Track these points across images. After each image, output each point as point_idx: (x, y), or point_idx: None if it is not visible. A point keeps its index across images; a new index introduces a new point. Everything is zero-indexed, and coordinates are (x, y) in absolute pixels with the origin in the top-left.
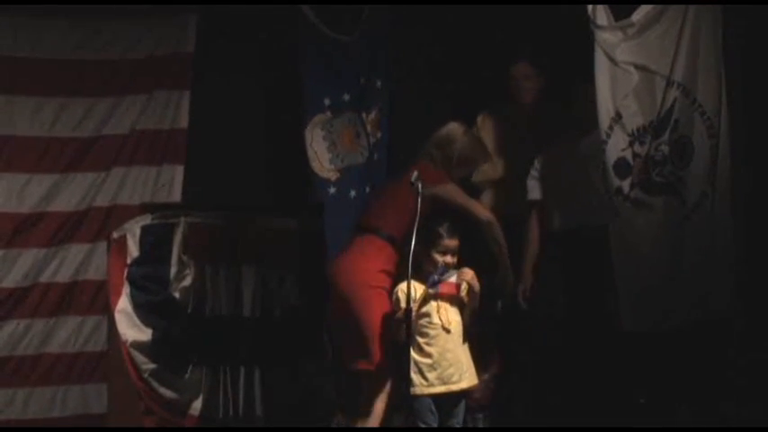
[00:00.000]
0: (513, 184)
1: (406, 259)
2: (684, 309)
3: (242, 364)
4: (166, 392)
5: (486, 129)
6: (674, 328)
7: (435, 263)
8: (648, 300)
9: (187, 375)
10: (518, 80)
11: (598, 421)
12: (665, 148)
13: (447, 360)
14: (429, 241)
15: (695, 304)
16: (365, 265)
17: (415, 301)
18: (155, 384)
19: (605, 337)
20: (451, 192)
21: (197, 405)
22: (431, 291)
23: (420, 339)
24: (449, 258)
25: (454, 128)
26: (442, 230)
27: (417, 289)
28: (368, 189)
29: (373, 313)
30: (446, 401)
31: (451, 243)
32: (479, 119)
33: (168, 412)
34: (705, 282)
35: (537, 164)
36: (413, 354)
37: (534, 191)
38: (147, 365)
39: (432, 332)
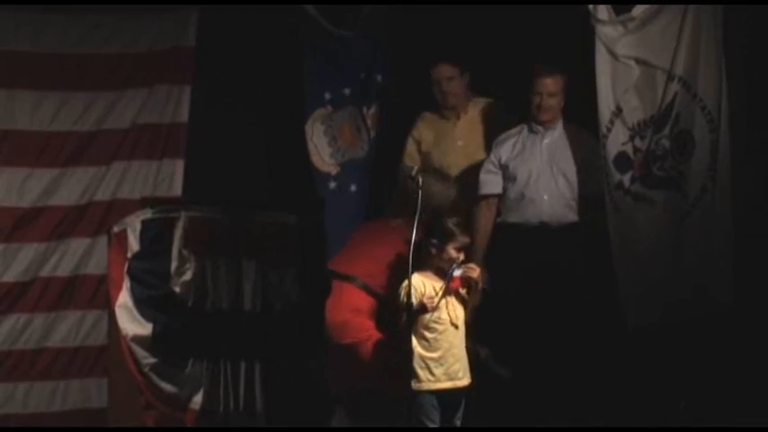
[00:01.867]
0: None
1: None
2: (685, 303)
3: (243, 359)
4: (167, 387)
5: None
6: (674, 323)
7: (451, 258)
8: (650, 295)
9: (187, 370)
10: (440, 83)
11: (588, 419)
12: (665, 143)
13: (453, 356)
14: (444, 237)
15: (696, 299)
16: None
17: (434, 295)
18: (155, 379)
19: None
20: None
21: (197, 399)
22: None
23: (428, 335)
24: (461, 254)
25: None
26: (454, 227)
27: (427, 284)
28: (368, 184)
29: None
30: (449, 398)
31: (464, 239)
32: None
33: (169, 407)
34: (706, 276)
35: (493, 158)
36: (419, 349)
37: (486, 185)
38: (148, 360)
39: (440, 327)
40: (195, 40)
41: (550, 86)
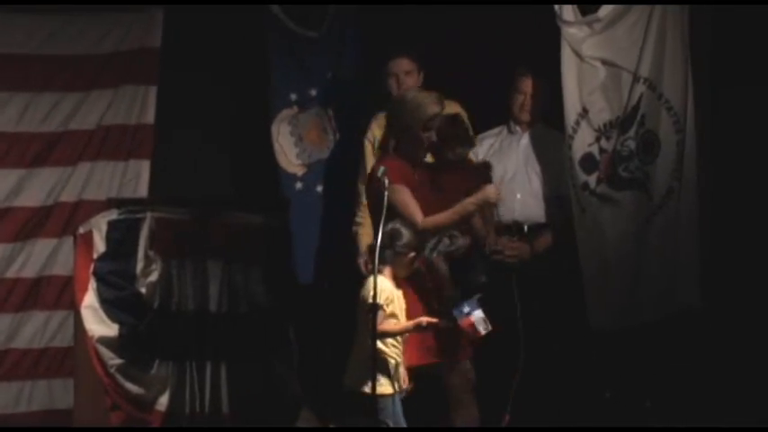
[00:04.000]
0: None
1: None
2: (651, 304)
3: (208, 360)
4: (133, 388)
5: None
6: (641, 324)
7: (409, 259)
8: (616, 296)
9: (153, 371)
10: (398, 75)
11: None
12: (631, 144)
13: (401, 362)
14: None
15: (662, 299)
16: None
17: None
18: (121, 380)
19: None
20: (396, 191)
21: (163, 400)
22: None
23: (390, 339)
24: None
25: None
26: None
27: (392, 288)
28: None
29: None
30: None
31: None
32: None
33: (134, 407)
34: (672, 277)
35: (471, 156)
36: (379, 355)
37: None
38: (114, 361)
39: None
40: (161, 41)
41: (534, 87)
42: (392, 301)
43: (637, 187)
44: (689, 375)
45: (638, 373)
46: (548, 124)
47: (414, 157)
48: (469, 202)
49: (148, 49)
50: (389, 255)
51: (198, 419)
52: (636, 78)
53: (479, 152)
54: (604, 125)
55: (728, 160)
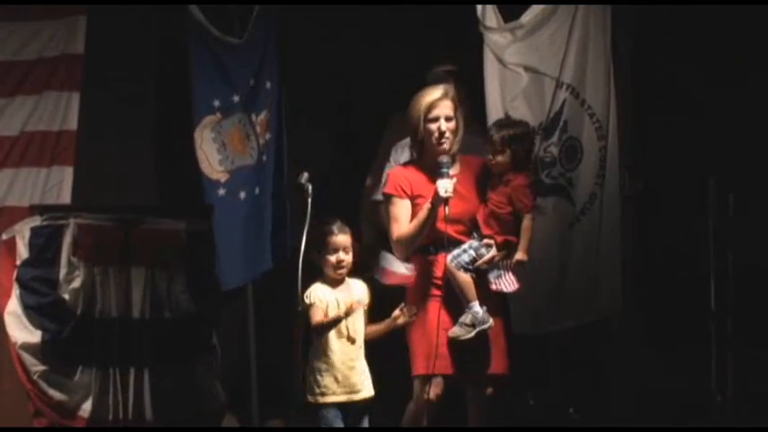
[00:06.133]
0: None
1: None
2: (574, 310)
3: (131, 366)
4: (56, 394)
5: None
6: (563, 330)
7: (339, 261)
8: (538, 302)
9: (77, 377)
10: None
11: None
12: (554, 150)
13: (350, 369)
14: (323, 239)
15: (585, 305)
16: None
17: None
18: (44, 386)
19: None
20: (384, 201)
21: (86, 407)
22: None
23: (326, 348)
24: (342, 255)
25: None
26: (333, 227)
27: (329, 295)
28: (257, 191)
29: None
30: (350, 410)
31: (340, 239)
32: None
33: (57, 414)
34: (594, 282)
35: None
36: (316, 362)
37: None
38: (37, 367)
39: (338, 340)
40: (84, 47)
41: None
42: (325, 302)
43: (560, 193)
44: (610, 381)
45: (562, 379)
46: (471, 130)
47: (425, 160)
48: (426, 208)
49: (72, 56)
50: (317, 256)
51: (120, 426)
52: (558, 85)
53: (400, 158)
54: None
55: (651, 166)
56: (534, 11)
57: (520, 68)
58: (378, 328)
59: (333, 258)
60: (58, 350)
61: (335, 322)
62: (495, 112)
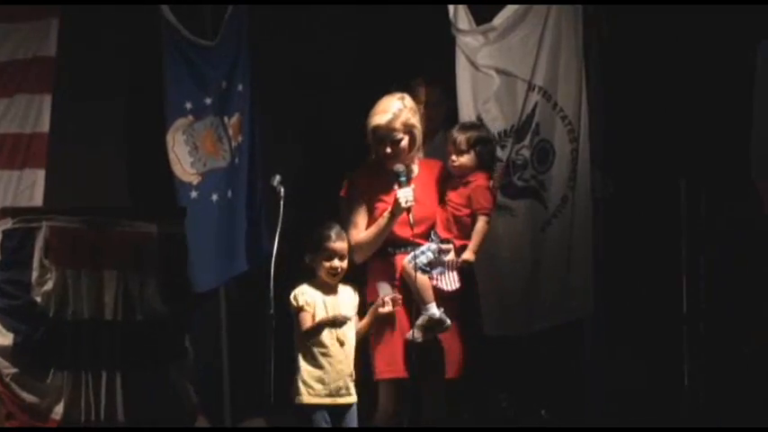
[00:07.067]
0: None
1: None
2: (546, 312)
3: (104, 369)
4: (28, 397)
5: None
6: (534, 332)
7: (332, 267)
8: (510, 304)
9: (49, 380)
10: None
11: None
12: (526, 153)
13: (338, 372)
14: (319, 243)
15: (556, 307)
16: None
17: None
18: (16, 389)
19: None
20: (343, 203)
21: (59, 409)
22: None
23: (315, 349)
24: (337, 262)
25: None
26: (331, 233)
27: (318, 297)
28: (230, 193)
29: None
30: (337, 413)
31: (338, 246)
32: None
33: (29, 416)
34: (565, 285)
35: None
36: (303, 363)
37: None
38: (9, 370)
39: (326, 343)
40: (56, 50)
41: (431, 96)
42: (313, 305)
43: (531, 196)
44: (581, 381)
45: (534, 381)
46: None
47: (382, 163)
48: (385, 216)
49: (43, 58)
50: (309, 258)
51: (93, 428)
52: (530, 87)
53: None
54: (499, 134)
55: (622, 168)
56: (506, 13)
57: (492, 71)
58: (364, 322)
59: (328, 264)
60: (31, 352)
61: (322, 328)
62: (467, 114)
